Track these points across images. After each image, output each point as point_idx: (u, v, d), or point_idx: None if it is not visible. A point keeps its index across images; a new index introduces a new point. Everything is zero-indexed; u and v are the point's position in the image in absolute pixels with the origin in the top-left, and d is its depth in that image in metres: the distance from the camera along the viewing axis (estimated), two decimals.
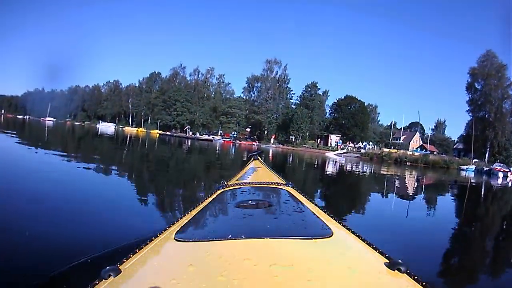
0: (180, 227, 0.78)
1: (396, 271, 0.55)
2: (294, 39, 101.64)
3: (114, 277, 0.57)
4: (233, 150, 21.45)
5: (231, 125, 48.07)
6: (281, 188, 1.18)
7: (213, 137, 42.03)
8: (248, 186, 1.22)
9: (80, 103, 68.32)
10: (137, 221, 2.69)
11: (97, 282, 0.57)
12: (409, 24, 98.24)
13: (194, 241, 0.67)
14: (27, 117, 67.68)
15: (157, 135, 40.35)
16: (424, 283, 0.54)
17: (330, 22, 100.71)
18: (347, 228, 0.79)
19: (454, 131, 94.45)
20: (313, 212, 0.85)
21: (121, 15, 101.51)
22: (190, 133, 44.86)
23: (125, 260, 0.65)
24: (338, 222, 0.82)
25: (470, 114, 37.48)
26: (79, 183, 4.23)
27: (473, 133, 33.29)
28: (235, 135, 45.54)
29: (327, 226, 0.73)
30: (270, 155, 20.22)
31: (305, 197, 1.07)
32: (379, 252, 0.66)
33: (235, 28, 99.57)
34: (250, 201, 0.96)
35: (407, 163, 28.22)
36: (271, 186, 1.22)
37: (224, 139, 41.27)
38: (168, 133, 44.95)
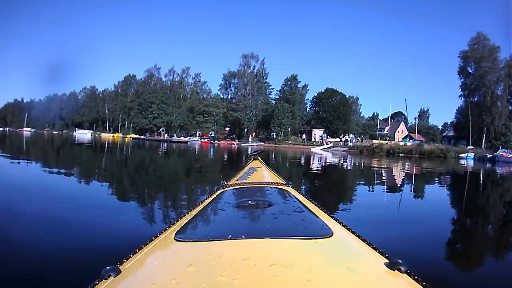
0: (180, 227, 0.78)
1: (396, 271, 0.55)
2: (270, 34, 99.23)
3: (114, 277, 0.56)
4: (212, 152, 18.88)
5: (208, 125, 45.76)
6: (281, 188, 1.17)
7: (189, 139, 39.45)
8: (248, 186, 1.22)
9: (58, 112, 66.26)
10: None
11: (97, 282, 0.56)
12: (387, 13, 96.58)
13: (194, 241, 0.67)
14: (7, 128, 65.80)
15: (126, 139, 38.08)
16: (424, 283, 0.54)
17: (305, 15, 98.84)
18: (347, 228, 0.78)
19: (438, 119, 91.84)
20: (313, 212, 0.85)
21: (97, 20, 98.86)
22: (166, 135, 42.39)
23: (125, 260, 0.65)
24: (338, 222, 0.82)
25: (463, 99, 36.14)
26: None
27: (470, 119, 31.93)
28: (213, 135, 43.23)
29: (327, 226, 0.73)
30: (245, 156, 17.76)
31: (305, 197, 1.07)
32: (379, 252, 0.65)
33: (209, 25, 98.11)
34: (250, 201, 0.95)
35: (401, 154, 26.46)
36: (271, 186, 1.21)
37: (202, 140, 38.83)
38: (142, 136, 42.61)
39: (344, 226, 0.80)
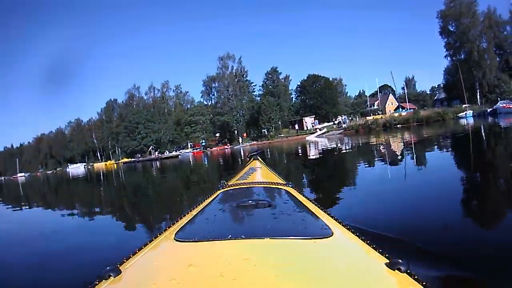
0: (180, 227, 0.78)
1: (396, 270, 0.55)
2: (241, 32, 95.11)
3: (114, 277, 0.56)
4: (206, 160, 17.52)
5: (197, 134, 44.68)
6: (281, 188, 1.17)
7: (181, 152, 38.34)
8: (248, 186, 1.22)
9: (48, 151, 65.28)
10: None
11: (97, 282, 0.56)
12: None
13: (194, 241, 0.67)
14: (2, 178, 64.73)
15: (114, 166, 36.90)
16: (424, 283, 0.53)
17: (273, 6, 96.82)
18: (347, 228, 0.78)
19: (425, 84, 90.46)
20: (313, 212, 0.86)
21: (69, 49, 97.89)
22: (156, 153, 41.24)
23: (125, 260, 0.65)
24: (338, 222, 0.81)
25: (449, 58, 35.84)
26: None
27: (461, 76, 31.47)
28: (203, 144, 42.17)
29: (327, 226, 0.73)
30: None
31: (305, 197, 1.07)
32: (379, 252, 0.65)
33: (180, 33, 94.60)
34: (250, 201, 0.95)
35: (398, 125, 25.73)
36: (271, 186, 1.22)
37: (194, 151, 37.72)
38: (133, 159, 41.36)
39: (344, 226, 0.79)
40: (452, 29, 34.69)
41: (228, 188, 1.18)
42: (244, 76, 46.85)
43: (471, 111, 24.59)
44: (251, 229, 0.72)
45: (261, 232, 0.66)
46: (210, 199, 1.06)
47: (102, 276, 0.56)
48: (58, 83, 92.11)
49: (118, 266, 0.60)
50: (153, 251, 0.69)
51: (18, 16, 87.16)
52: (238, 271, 0.51)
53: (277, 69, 46.56)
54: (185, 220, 0.84)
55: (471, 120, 19.70)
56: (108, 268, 0.57)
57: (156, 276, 0.55)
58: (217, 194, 1.12)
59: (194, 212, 0.91)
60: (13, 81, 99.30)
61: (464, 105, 28.69)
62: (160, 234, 0.77)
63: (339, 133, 28.85)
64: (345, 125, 32.01)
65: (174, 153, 38.54)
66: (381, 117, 30.71)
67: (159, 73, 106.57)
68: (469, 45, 33.07)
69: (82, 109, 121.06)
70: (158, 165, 21.08)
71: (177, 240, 0.68)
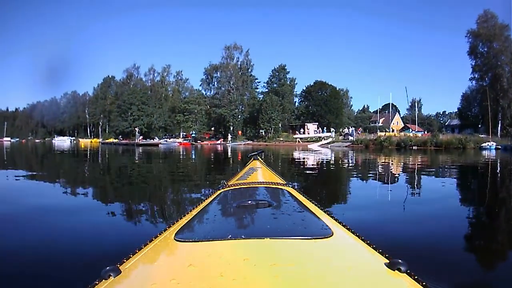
0: (180, 227, 0.78)
1: (396, 271, 0.55)
2: (253, 25, 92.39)
3: (114, 277, 0.56)
4: (182, 155, 14.17)
5: (189, 124, 41.74)
6: (281, 188, 1.17)
7: (165, 140, 35.20)
8: (248, 186, 1.22)
9: (40, 119, 63.24)
10: None
11: (97, 282, 0.56)
12: (375, 10, 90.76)
13: (194, 241, 0.67)
14: None
15: (98, 144, 34.26)
16: (424, 283, 0.54)
17: (289, 6, 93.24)
18: (347, 228, 0.78)
19: (430, 109, 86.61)
20: (313, 212, 0.85)
21: (77, 22, 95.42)
22: (141, 137, 38.18)
23: (125, 260, 0.65)
24: (338, 222, 0.81)
25: (474, 82, 33.00)
26: None
27: (488, 103, 28.56)
28: (194, 135, 39.16)
29: (327, 226, 0.73)
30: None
31: (305, 197, 1.07)
32: (379, 252, 0.65)
33: (188, 16, 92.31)
34: (250, 201, 0.95)
35: (413, 147, 22.72)
36: (271, 186, 1.21)
37: (180, 142, 34.43)
38: (114, 140, 38.48)
39: (344, 226, 0.79)
40: (483, 50, 31.63)
41: (228, 188, 1.18)
42: (249, 70, 43.83)
43: (494, 143, 22.13)
44: (251, 229, 0.72)
45: (261, 232, 0.66)
46: (210, 199, 1.06)
47: (102, 276, 0.55)
48: (62, 54, 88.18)
49: (118, 266, 0.60)
50: (153, 251, 0.68)
51: None
52: (238, 271, 0.51)
53: (285, 67, 43.42)
54: (185, 220, 0.83)
55: (493, 153, 17.12)
56: (108, 268, 0.56)
57: (156, 276, 0.55)
58: (217, 194, 1.12)
59: (194, 212, 0.91)
60: (16, 43, 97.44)
61: (483, 135, 25.87)
62: (160, 234, 0.77)
63: (346, 146, 25.96)
64: (352, 137, 29.00)
65: (156, 140, 35.44)
66: (394, 135, 27.94)
67: (162, 56, 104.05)
68: (499, 71, 30.32)
69: (81, 81, 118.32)
70: (127, 151, 18.08)
71: (177, 240, 0.68)
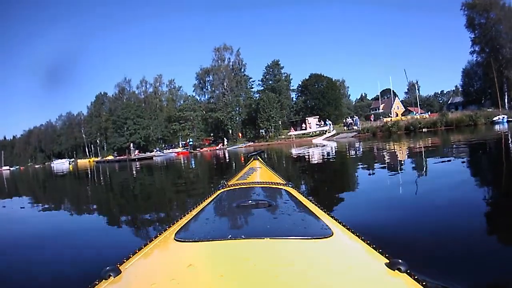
0: (180, 227, 0.78)
1: (396, 271, 0.55)
2: (243, 25, 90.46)
3: (114, 277, 0.57)
4: (193, 164, 12.64)
5: (186, 132, 40.59)
6: (281, 188, 1.17)
7: (162, 152, 33.44)
8: (248, 186, 1.21)
9: (37, 144, 62.55)
10: None
11: (97, 282, 0.57)
12: None
13: (194, 241, 0.67)
14: None
15: (93, 163, 32.84)
16: (424, 283, 0.53)
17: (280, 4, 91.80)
18: (347, 228, 0.78)
19: (428, 89, 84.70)
20: (313, 212, 0.85)
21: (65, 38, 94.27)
22: (137, 152, 36.65)
23: (125, 260, 0.65)
24: (338, 222, 0.81)
25: (475, 56, 31.84)
26: None
27: (495, 75, 27.86)
28: (191, 143, 37.93)
29: (327, 226, 0.73)
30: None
31: (305, 197, 1.07)
32: (379, 252, 0.65)
33: (176, 26, 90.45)
34: (250, 201, 0.95)
35: (423, 129, 21.41)
36: (271, 186, 1.21)
37: (178, 151, 32.76)
38: (109, 158, 36.40)
39: (344, 226, 0.78)
40: (480, 22, 30.42)
41: (228, 188, 1.17)
42: (242, 69, 42.63)
43: (505, 116, 21.05)
44: (251, 229, 0.72)
45: (261, 232, 0.66)
46: (210, 199, 1.05)
47: (102, 276, 0.56)
48: (53, 75, 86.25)
49: (118, 266, 0.60)
50: (153, 251, 0.68)
51: (8, 9, 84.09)
52: (238, 271, 0.51)
53: (279, 63, 42.23)
54: (185, 220, 0.83)
55: (506, 126, 16.16)
56: (108, 268, 0.56)
57: (156, 276, 0.54)
58: (217, 194, 1.11)
59: (194, 212, 0.90)
60: (8, 71, 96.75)
61: (489, 109, 24.66)
62: (160, 234, 0.77)
63: (352, 136, 24.22)
64: (357, 127, 27.57)
65: (156, 152, 33.75)
66: (403, 119, 26.51)
67: (152, 67, 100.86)
68: (500, 41, 29.18)
69: (75, 102, 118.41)
70: (121, 167, 16.22)
71: (177, 240, 0.68)
